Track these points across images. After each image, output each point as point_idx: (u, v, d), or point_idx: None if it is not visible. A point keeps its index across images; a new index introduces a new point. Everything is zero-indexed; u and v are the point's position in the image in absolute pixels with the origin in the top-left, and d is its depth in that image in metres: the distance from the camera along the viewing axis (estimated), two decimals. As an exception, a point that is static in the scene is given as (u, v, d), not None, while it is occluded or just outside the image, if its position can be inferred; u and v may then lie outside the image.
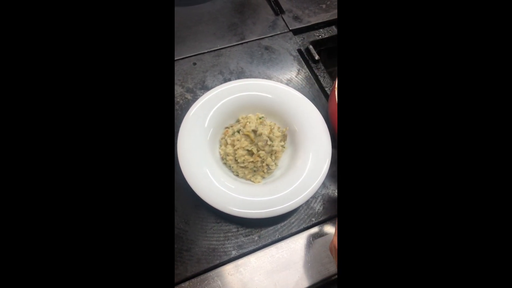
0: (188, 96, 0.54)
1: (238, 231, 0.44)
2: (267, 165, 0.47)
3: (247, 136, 0.47)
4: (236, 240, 0.43)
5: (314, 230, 0.45)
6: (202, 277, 0.41)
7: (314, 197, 0.47)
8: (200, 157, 0.45)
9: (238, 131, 0.48)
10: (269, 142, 0.46)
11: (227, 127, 0.50)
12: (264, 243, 0.43)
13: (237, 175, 0.47)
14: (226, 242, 0.43)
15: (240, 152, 0.46)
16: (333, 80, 0.57)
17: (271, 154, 0.47)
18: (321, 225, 0.46)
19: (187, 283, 0.41)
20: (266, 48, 0.60)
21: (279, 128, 0.50)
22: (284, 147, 0.49)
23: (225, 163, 0.48)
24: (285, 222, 0.45)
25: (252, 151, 0.46)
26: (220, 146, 0.49)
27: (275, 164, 0.48)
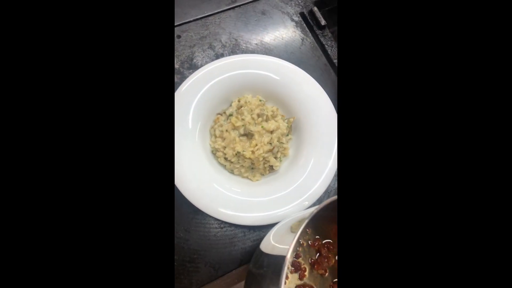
0: (175, 78, 0.46)
1: (245, 235, 0.40)
2: (270, 165, 0.41)
3: (237, 129, 0.40)
4: (243, 246, 0.39)
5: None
6: (209, 288, 0.38)
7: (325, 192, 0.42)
8: (189, 154, 0.38)
9: (229, 116, 0.41)
10: (276, 142, 0.40)
11: (219, 114, 0.43)
12: (274, 246, 0.40)
13: (232, 173, 0.42)
14: (232, 249, 0.39)
15: (230, 152, 0.40)
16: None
17: (278, 151, 0.41)
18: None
19: (193, 295, 0.37)
20: (263, 13, 0.51)
21: (283, 116, 0.43)
22: (290, 138, 0.43)
23: (216, 160, 0.42)
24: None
25: (244, 155, 0.39)
26: (210, 137, 0.42)
27: (280, 161, 0.42)
